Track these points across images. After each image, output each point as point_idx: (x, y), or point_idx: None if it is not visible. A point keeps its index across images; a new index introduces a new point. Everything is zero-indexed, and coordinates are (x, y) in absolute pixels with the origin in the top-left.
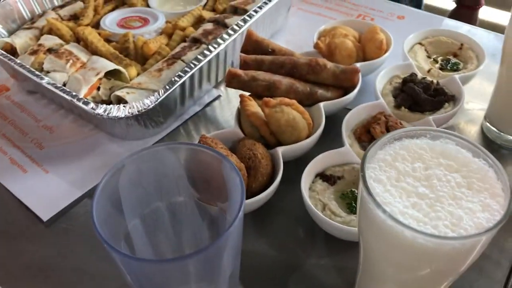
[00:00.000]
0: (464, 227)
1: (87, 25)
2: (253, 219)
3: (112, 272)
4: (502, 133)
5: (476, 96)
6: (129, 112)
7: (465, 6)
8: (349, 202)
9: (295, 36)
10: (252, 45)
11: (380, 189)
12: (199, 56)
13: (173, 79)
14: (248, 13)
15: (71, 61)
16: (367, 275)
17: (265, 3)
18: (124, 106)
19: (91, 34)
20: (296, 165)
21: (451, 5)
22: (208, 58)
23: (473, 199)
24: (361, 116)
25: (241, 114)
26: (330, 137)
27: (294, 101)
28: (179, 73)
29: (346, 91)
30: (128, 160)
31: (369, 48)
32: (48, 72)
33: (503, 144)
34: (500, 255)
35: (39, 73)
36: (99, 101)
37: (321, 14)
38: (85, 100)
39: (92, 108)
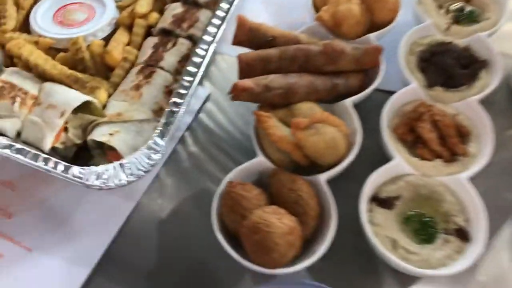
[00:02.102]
0: None
1: (14, 30)
2: None
3: None
4: None
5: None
6: (131, 175)
7: None
8: (416, 227)
9: None
10: (246, 35)
11: None
12: (190, 68)
13: (171, 109)
14: None
15: (18, 99)
16: None
17: None
18: (120, 166)
19: (33, 54)
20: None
21: None
22: (203, 68)
23: None
24: (395, 106)
25: (262, 136)
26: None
27: (327, 115)
28: (175, 99)
29: (367, 71)
30: None
31: (378, 10)
32: None
33: None
34: None
35: None
36: (70, 147)
37: None
38: (66, 164)
39: (79, 177)
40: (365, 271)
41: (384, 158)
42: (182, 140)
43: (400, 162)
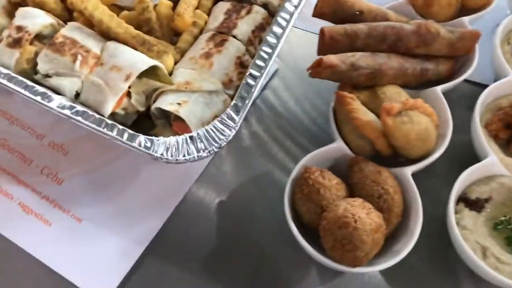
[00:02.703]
0: None
1: None
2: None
3: None
4: None
5: None
6: (203, 150)
7: None
8: (508, 235)
9: None
10: (330, 6)
11: None
12: (269, 38)
13: (247, 80)
14: None
15: (79, 56)
16: None
17: None
18: (191, 139)
19: (98, 9)
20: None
21: None
22: (283, 39)
23: None
24: (488, 99)
25: (341, 120)
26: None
27: (421, 102)
28: (252, 71)
29: (457, 58)
30: None
31: None
32: (47, 76)
33: None
34: None
35: (38, 87)
36: (131, 114)
37: None
38: (132, 132)
39: (147, 147)
40: (442, 278)
41: (469, 155)
42: (245, 117)
43: (494, 161)
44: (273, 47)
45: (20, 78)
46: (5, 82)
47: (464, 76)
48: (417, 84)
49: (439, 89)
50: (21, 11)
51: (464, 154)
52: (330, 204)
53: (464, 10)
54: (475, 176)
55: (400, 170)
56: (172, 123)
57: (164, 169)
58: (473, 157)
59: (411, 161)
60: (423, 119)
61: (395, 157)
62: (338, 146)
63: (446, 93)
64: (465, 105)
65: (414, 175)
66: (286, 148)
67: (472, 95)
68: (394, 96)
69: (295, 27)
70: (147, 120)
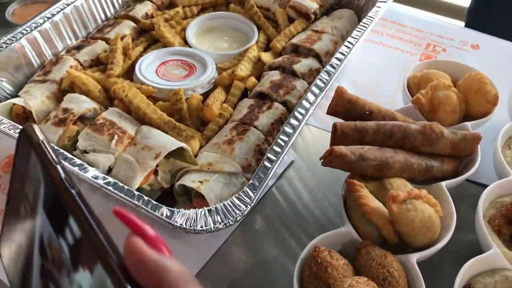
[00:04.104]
0: None
1: (118, 76)
2: None
3: None
4: None
5: None
6: (220, 222)
7: None
8: None
9: (361, 75)
10: (343, 106)
11: None
12: (287, 128)
13: (264, 163)
14: (330, 63)
15: (116, 136)
16: None
17: (347, 47)
18: (209, 212)
19: (137, 97)
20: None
21: None
22: (298, 131)
23: None
24: (491, 196)
25: (350, 207)
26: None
27: (424, 192)
28: (269, 156)
29: (461, 159)
30: None
31: (475, 100)
32: (85, 152)
33: None
34: None
35: (76, 159)
36: (157, 189)
37: (383, 44)
38: (155, 203)
39: (168, 217)
40: None
41: (474, 252)
42: (260, 202)
43: (497, 253)
44: (289, 136)
45: (61, 150)
46: None
47: (468, 174)
48: (423, 179)
49: (443, 184)
50: (69, 96)
51: (469, 251)
52: (336, 282)
53: (468, 117)
54: (479, 268)
55: (406, 256)
56: (192, 199)
57: (181, 246)
58: (479, 254)
59: (417, 250)
60: (427, 208)
61: (401, 248)
62: (346, 231)
63: (451, 193)
64: (470, 204)
65: (419, 267)
66: (296, 235)
67: (476, 195)
68: (401, 187)
69: (310, 125)
70: (169, 198)
